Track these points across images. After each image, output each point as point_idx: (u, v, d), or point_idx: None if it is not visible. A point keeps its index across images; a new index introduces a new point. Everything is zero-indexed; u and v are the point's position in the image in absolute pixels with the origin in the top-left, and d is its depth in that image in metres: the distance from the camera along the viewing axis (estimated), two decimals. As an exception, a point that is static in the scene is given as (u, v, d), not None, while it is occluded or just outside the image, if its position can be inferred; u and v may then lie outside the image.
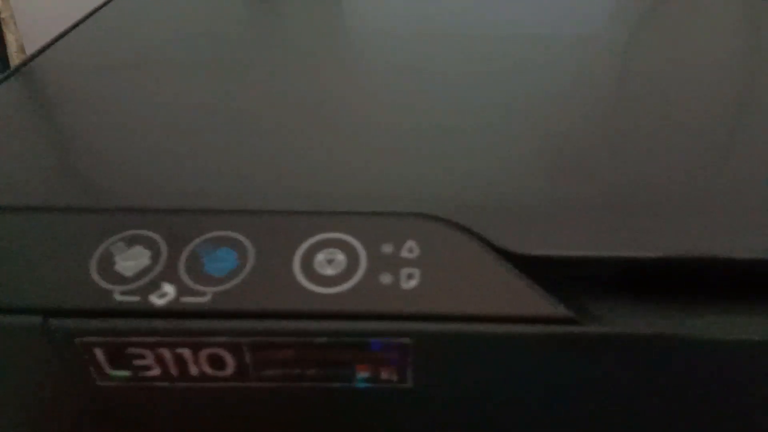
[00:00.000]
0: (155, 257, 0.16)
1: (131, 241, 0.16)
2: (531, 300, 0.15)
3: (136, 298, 0.15)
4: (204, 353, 0.15)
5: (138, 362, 0.16)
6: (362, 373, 0.16)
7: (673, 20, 0.30)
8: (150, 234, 0.16)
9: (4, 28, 0.45)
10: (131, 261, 0.16)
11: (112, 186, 0.18)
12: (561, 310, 0.15)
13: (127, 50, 0.27)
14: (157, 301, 0.15)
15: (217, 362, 0.16)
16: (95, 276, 0.16)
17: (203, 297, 0.15)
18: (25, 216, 0.17)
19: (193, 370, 0.16)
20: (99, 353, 0.15)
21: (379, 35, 0.29)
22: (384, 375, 0.16)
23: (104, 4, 0.33)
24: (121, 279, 0.15)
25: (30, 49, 0.48)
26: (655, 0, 0.32)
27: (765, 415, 0.17)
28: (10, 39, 0.46)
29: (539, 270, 0.15)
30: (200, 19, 0.31)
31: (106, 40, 0.28)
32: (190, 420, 0.18)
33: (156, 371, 0.16)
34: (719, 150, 0.19)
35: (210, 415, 0.17)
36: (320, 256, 0.16)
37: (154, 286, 0.15)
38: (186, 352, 0.15)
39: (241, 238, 0.16)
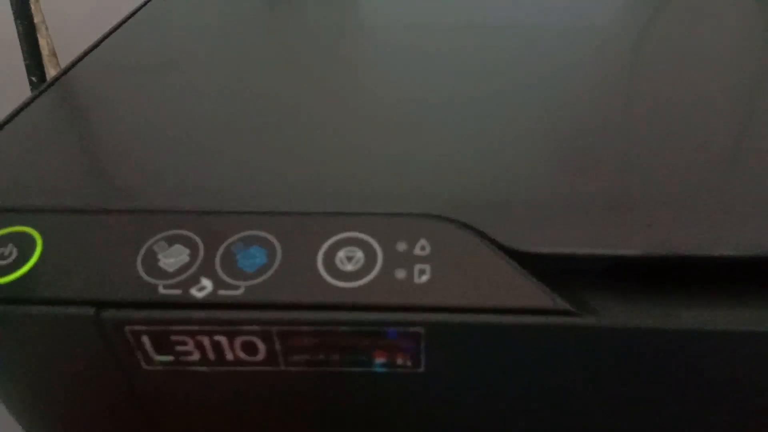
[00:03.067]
0: (194, 255, 0.18)
1: (172, 240, 0.18)
2: (531, 293, 0.16)
3: (178, 291, 0.17)
4: (238, 340, 0.17)
5: (180, 348, 0.18)
6: (380, 359, 0.17)
7: (680, 20, 0.31)
8: (188, 234, 0.18)
9: (36, 33, 0.46)
10: (172, 258, 0.18)
11: (152, 189, 0.20)
12: (559, 303, 0.16)
13: (157, 55, 0.29)
14: (196, 294, 0.17)
15: (250, 349, 0.17)
16: (141, 272, 0.17)
17: (237, 290, 0.17)
18: (75, 217, 0.19)
19: (229, 356, 0.18)
20: (146, 340, 0.17)
21: (391, 33, 0.30)
22: (399, 361, 0.18)
23: (131, 15, 0.35)
24: (164, 274, 0.17)
25: (60, 53, 0.50)
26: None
27: (755, 404, 0.18)
28: (42, 43, 0.48)
29: (540, 266, 0.17)
30: (224, 22, 0.33)
31: (136, 48, 0.30)
32: (224, 402, 0.19)
33: (196, 356, 0.18)
34: (716, 151, 0.21)
35: (242, 399, 0.19)
36: (341, 254, 0.18)
37: (193, 280, 0.17)
38: (222, 340, 0.17)
39: (270, 237, 0.18)
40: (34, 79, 0.44)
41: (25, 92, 0.49)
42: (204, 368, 0.18)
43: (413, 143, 0.21)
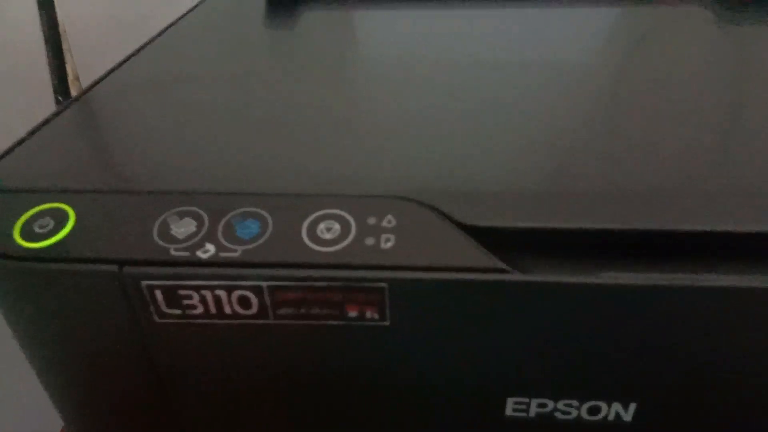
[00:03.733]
0: (200, 225, 0.21)
1: (182, 214, 0.22)
2: (474, 255, 0.20)
3: (186, 253, 0.21)
4: (235, 295, 0.21)
5: (186, 302, 0.21)
6: (352, 313, 0.21)
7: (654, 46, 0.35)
8: (196, 209, 0.22)
9: (63, 56, 0.51)
10: (182, 228, 0.21)
11: (168, 174, 0.24)
12: (496, 263, 0.20)
13: (166, 75, 0.33)
14: (201, 255, 0.21)
15: (244, 303, 0.21)
16: (156, 238, 0.21)
17: (235, 253, 0.21)
18: (102, 196, 0.23)
19: (227, 309, 0.21)
20: (158, 294, 0.21)
21: (383, 56, 0.34)
22: (368, 314, 0.21)
23: (147, 44, 0.39)
24: (175, 240, 0.21)
25: (84, 78, 0.55)
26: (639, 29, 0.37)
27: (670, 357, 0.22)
28: (67, 69, 0.53)
29: (486, 236, 0.21)
30: (230, 47, 0.37)
31: (149, 69, 0.34)
32: (222, 356, 0.23)
33: (200, 310, 0.21)
34: (638, 147, 0.24)
35: (237, 351, 0.23)
36: (321, 226, 0.21)
37: (199, 245, 0.21)
38: (222, 294, 0.21)
39: (263, 212, 0.22)
40: (59, 98, 0.48)
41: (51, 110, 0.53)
42: (206, 321, 0.22)
43: (386, 142, 0.25)
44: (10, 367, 0.49)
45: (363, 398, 0.23)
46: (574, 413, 0.23)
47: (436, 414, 0.24)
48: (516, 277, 0.20)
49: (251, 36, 0.39)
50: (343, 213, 0.21)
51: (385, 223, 0.21)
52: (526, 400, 0.23)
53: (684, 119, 0.26)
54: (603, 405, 0.23)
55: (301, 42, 0.38)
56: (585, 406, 0.23)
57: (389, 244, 0.21)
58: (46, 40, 0.46)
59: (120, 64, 0.36)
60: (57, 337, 0.23)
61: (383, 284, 0.20)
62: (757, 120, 0.26)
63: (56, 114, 0.29)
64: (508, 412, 0.24)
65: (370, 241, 0.21)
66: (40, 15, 0.45)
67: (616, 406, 0.23)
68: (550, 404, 0.23)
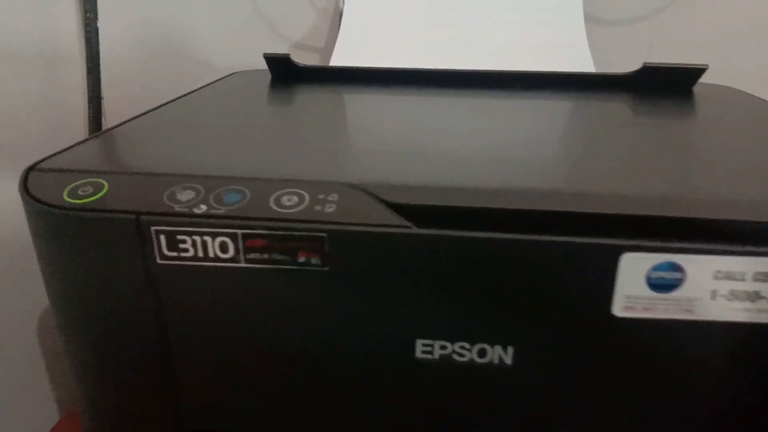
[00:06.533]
0: (198, 194, 0.30)
1: (185, 188, 0.30)
2: (388, 217, 0.28)
3: (186, 209, 0.29)
4: (217, 240, 0.29)
5: (181, 245, 0.29)
6: (301, 258, 0.29)
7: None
8: (197, 185, 0.31)
9: (101, 116, 0.61)
10: (185, 196, 0.30)
11: (177, 164, 0.32)
12: (403, 221, 0.28)
13: (182, 119, 0.43)
14: (197, 210, 0.29)
15: (223, 247, 0.29)
16: (165, 200, 0.30)
17: (220, 210, 0.29)
18: (132, 176, 0.31)
19: (211, 253, 0.29)
20: (162, 238, 0.29)
21: (363, 112, 0.44)
22: (313, 260, 0.29)
23: (165, 104, 0.49)
24: (179, 202, 0.30)
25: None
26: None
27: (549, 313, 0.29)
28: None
29: (398, 209, 0.29)
30: (235, 111, 0.47)
31: (169, 117, 0.44)
32: (204, 293, 0.30)
33: (190, 253, 0.29)
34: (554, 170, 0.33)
35: (216, 291, 0.30)
36: (284, 198, 0.30)
37: (195, 205, 0.29)
38: (208, 239, 0.29)
39: (245, 189, 0.30)
40: (91, 144, 0.58)
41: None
42: (194, 263, 0.29)
43: (339, 155, 0.34)
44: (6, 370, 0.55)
45: (307, 343, 0.31)
46: (468, 355, 0.30)
47: (364, 356, 0.31)
48: (416, 231, 0.28)
49: (252, 102, 0.50)
50: (301, 191, 0.30)
51: (329, 198, 0.30)
52: (431, 342, 0.30)
53: (558, 146, 0.36)
54: (488, 348, 0.30)
55: (297, 105, 0.48)
56: (475, 349, 0.30)
57: (331, 209, 0.29)
58: (89, 99, 0.57)
59: (140, 114, 0.46)
60: (84, 275, 0.31)
61: (324, 234, 0.28)
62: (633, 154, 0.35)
63: (95, 136, 0.39)
64: (418, 354, 0.31)
65: (318, 207, 0.29)
66: (87, 79, 0.57)
67: (498, 350, 0.30)
68: (449, 346, 0.30)
